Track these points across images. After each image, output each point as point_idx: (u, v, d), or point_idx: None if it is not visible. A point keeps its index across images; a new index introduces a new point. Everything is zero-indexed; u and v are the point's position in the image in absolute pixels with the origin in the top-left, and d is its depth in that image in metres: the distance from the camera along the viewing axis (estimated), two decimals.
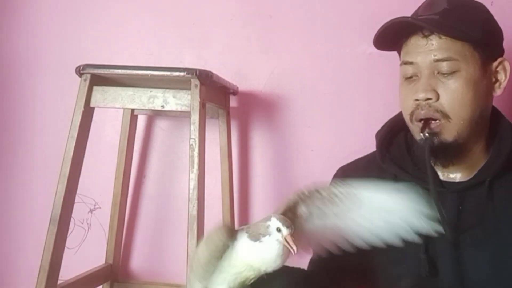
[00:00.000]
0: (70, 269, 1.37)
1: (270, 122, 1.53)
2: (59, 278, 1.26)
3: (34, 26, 1.66)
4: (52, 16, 1.65)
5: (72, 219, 1.30)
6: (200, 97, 1.20)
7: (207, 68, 1.24)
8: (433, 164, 0.92)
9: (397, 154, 0.98)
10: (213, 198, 1.48)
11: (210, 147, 1.37)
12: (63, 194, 1.23)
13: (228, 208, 1.48)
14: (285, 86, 1.52)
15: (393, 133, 1.01)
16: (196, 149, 1.19)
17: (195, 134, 1.19)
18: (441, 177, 0.95)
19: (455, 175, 0.94)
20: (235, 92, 1.49)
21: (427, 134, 0.89)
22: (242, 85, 1.52)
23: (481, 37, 0.89)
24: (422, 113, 0.89)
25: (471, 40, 0.89)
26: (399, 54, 0.98)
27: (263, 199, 1.53)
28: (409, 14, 0.96)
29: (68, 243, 1.31)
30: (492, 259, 0.89)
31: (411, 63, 0.92)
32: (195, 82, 1.21)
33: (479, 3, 0.96)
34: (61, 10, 1.64)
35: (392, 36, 0.94)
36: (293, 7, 1.52)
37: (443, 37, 0.88)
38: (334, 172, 1.10)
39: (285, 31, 1.52)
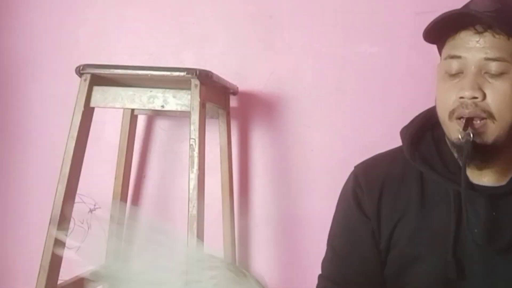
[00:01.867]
0: (70, 269, 1.37)
1: (270, 122, 1.53)
2: (59, 278, 1.27)
3: (34, 26, 1.66)
4: (52, 16, 1.65)
5: (72, 219, 1.31)
6: (200, 97, 1.20)
7: (207, 68, 1.25)
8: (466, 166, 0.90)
9: (426, 153, 0.95)
10: (213, 198, 1.48)
11: (210, 147, 1.38)
12: (63, 194, 1.23)
13: (228, 208, 1.48)
14: (285, 86, 1.52)
15: (422, 132, 0.98)
16: (196, 149, 1.19)
17: (195, 134, 1.19)
18: (472, 180, 0.92)
19: (486, 179, 0.92)
20: (235, 92, 1.49)
21: (471, 134, 0.85)
22: (242, 85, 1.52)
23: None
24: (467, 112, 0.85)
25: None
26: (440, 49, 0.94)
27: (263, 199, 1.53)
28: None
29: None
30: None
31: (458, 57, 0.87)
32: (195, 82, 1.21)
33: None
34: (61, 10, 1.64)
35: (442, 29, 0.90)
36: (293, 7, 1.52)
37: (497, 36, 0.85)
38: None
39: (285, 31, 1.52)
